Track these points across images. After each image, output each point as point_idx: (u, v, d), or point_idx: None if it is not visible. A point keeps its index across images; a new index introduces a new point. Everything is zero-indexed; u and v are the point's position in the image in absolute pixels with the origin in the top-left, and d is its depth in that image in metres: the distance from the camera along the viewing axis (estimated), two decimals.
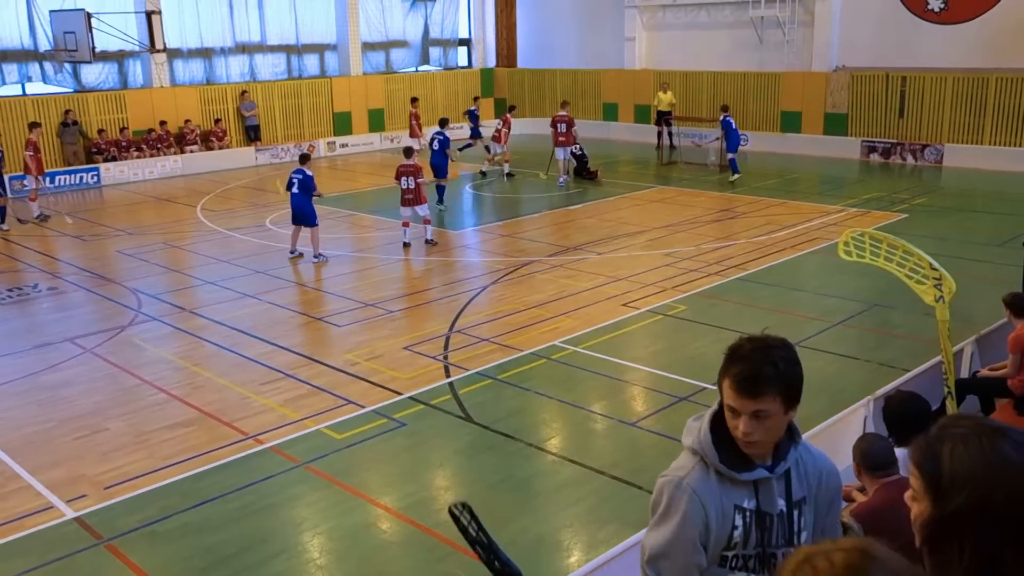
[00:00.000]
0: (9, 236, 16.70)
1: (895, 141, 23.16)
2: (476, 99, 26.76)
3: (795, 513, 2.76)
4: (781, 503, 2.74)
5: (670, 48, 27.82)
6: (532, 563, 6.12)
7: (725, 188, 19.93)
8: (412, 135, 23.26)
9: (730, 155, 20.86)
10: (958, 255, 13.73)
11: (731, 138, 20.88)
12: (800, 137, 24.70)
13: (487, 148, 23.07)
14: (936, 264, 5.40)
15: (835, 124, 24.16)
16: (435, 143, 18.35)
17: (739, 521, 2.67)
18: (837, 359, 9.66)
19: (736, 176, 20.61)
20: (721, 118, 20.98)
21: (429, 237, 15.15)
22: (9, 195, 16.41)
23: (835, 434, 6.44)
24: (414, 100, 24.64)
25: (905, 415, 5.03)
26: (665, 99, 25.68)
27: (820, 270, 13.40)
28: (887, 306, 11.36)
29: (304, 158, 15.07)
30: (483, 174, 22.26)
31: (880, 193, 18.96)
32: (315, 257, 14.26)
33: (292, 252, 14.51)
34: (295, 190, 14.43)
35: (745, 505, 2.68)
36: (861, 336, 10.44)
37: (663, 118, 25.25)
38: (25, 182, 18.41)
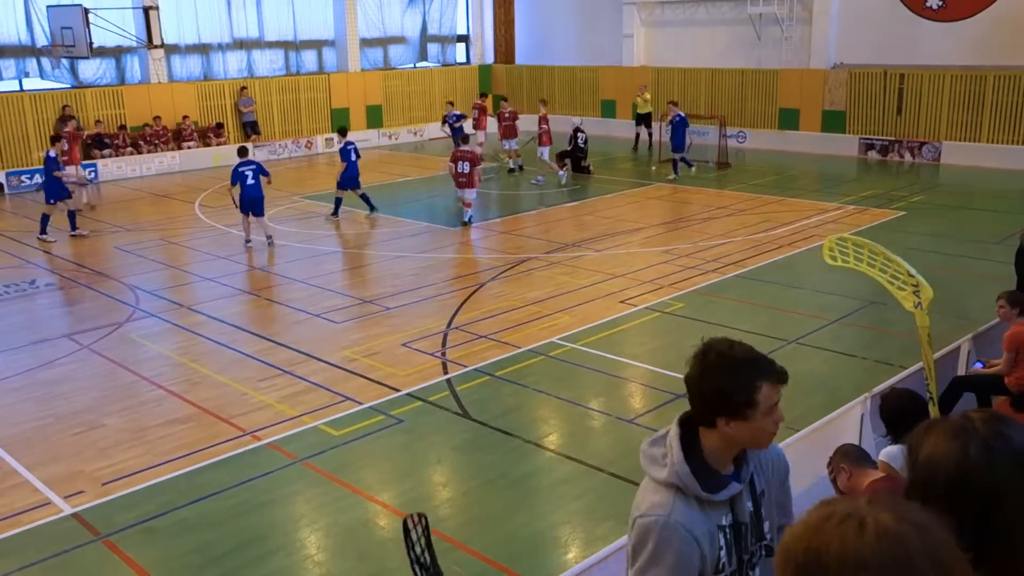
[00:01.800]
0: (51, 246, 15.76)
1: (893, 139, 23.17)
2: (451, 103, 25.38)
3: (761, 509, 2.77)
4: (749, 505, 2.73)
5: (668, 45, 27.81)
6: (530, 559, 6.13)
7: (724, 185, 19.93)
8: (477, 127, 23.97)
9: (675, 155, 20.52)
10: (955, 253, 13.76)
11: (676, 136, 20.30)
12: (798, 134, 24.71)
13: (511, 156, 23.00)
14: (913, 271, 5.43)
15: (833, 121, 24.17)
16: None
17: (722, 541, 2.64)
18: (834, 356, 9.68)
19: (674, 176, 20.40)
20: (672, 116, 20.46)
21: (466, 219, 16.38)
22: (56, 200, 16.09)
23: (831, 431, 6.44)
24: (483, 95, 26.05)
25: (902, 412, 5.05)
26: (644, 101, 25.67)
27: (817, 268, 13.38)
28: (883, 304, 11.35)
29: (244, 151, 15.87)
30: (519, 168, 22.44)
31: (878, 191, 18.98)
32: (271, 242, 15.10)
33: (248, 241, 15.18)
34: (251, 181, 15.08)
35: (724, 523, 2.65)
36: (858, 334, 10.45)
37: (643, 120, 25.63)
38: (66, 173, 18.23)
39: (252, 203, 15.06)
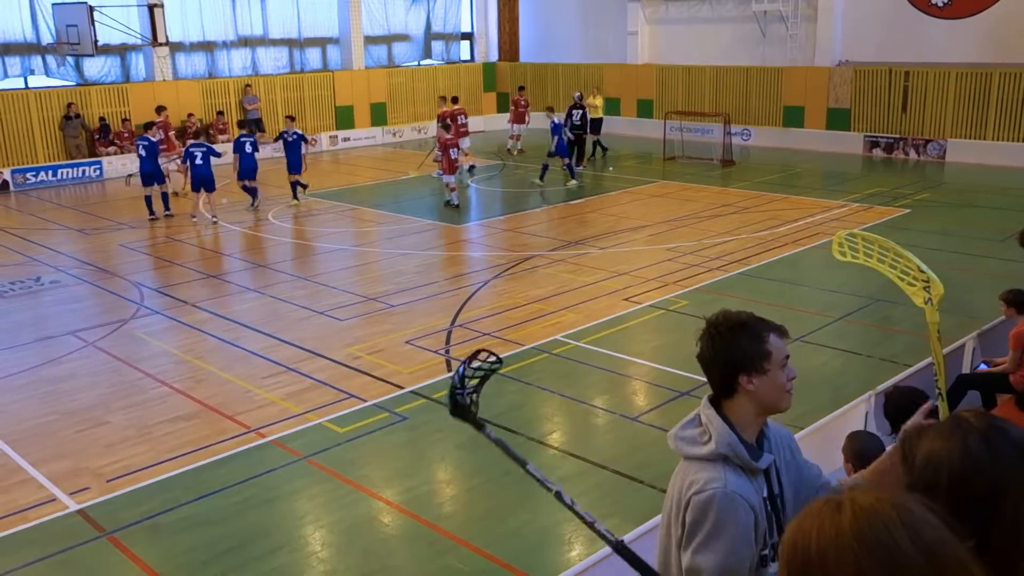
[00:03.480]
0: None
1: (898, 136, 23.12)
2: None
3: (783, 484, 2.85)
4: (775, 477, 2.82)
5: (672, 42, 27.78)
6: (534, 557, 6.14)
7: (728, 183, 19.91)
8: (517, 121, 24.68)
9: (565, 161, 19.73)
10: (961, 251, 13.72)
11: (556, 140, 19.71)
12: (802, 132, 24.67)
13: (510, 137, 24.92)
14: (924, 267, 5.42)
15: (838, 119, 24.12)
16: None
17: (764, 512, 2.72)
18: (839, 354, 9.67)
19: (573, 183, 19.63)
20: (551, 121, 20.05)
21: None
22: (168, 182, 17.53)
23: (836, 429, 6.44)
24: (521, 89, 26.44)
25: (906, 410, 5.02)
26: (598, 103, 23.69)
27: (822, 265, 13.39)
28: (889, 301, 11.35)
29: (199, 133, 17.55)
30: (517, 152, 24.08)
31: (883, 188, 18.94)
32: (215, 219, 16.56)
33: (193, 216, 16.95)
34: (200, 161, 16.53)
35: (764, 494, 2.74)
36: (863, 331, 10.44)
37: (593, 127, 23.02)
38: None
39: (203, 181, 16.71)
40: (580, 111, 21.59)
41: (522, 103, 24.76)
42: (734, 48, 26.13)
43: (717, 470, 2.66)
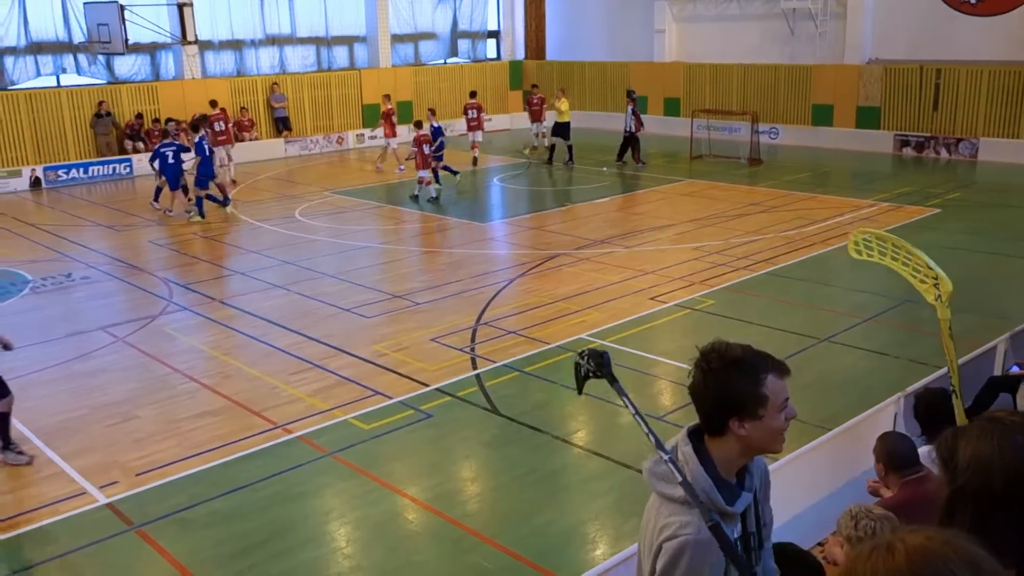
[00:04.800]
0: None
1: (929, 135, 22.84)
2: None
3: (762, 515, 2.75)
4: (751, 515, 2.70)
5: (700, 40, 27.62)
6: (558, 555, 6.13)
7: (756, 182, 19.77)
8: (535, 119, 24.92)
9: (201, 192, 17.12)
10: (992, 251, 13.54)
11: (203, 165, 17.06)
12: (832, 131, 24.43)
13: (535, 135, 25.09)
14: (932, 264, 5.38)
15: (868, 117, 23.88)
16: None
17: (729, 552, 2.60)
18: (867, 355, 9.57)
19: (197, 217, 17.01)
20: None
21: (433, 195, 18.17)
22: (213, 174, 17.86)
23: (864, 431, 6.38)
24: (534, 87, 26.52)
25: (937, 411, 4.98)
26: (563, 107, 22.22)
27: (851, 265, 13.23)
28: (918, 302, 11.16)
29: (166, 133, 18.19)
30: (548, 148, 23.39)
31: (913, 188, 18.72)
32: (188, 213, 17.29)
33: (169, 211, 17.54)
34: (171, 161, 17.07)
35: (735, 535, 2.60)
36: (892, 332, 10.32)
37: (560, 131, 22.33)
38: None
39: (171, 178, 17.33)
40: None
41: (534, 101, 24.97)
42: (762, 46, 25.93)
43: (686, 513, 2.51)
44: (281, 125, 25.88)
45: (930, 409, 5.01)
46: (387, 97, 23.71)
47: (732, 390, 2.51)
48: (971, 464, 1.86)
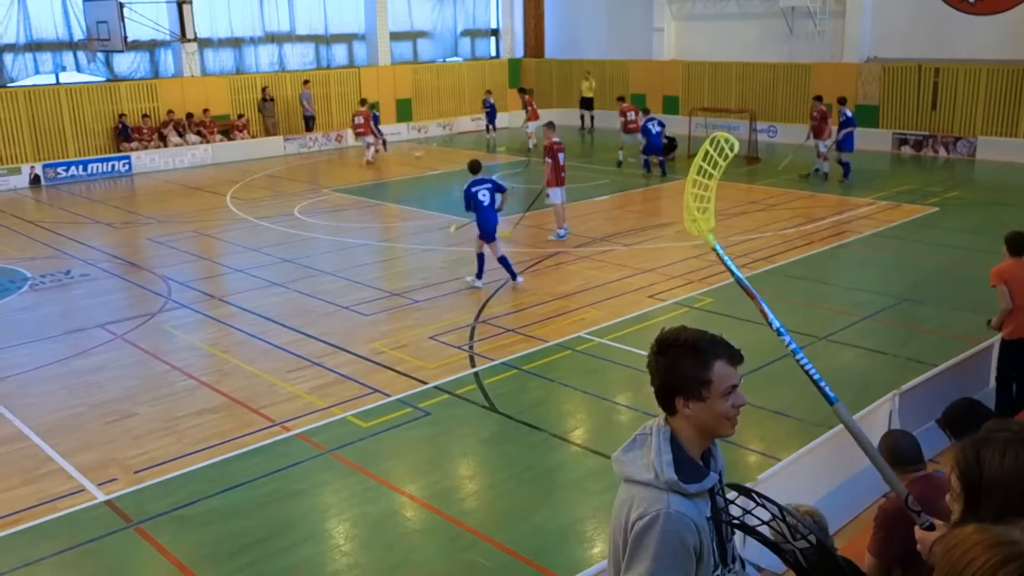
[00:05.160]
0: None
1: (927, 134, 22.86)
2: (489, 92, 27.66)
3: (725, 498, 2.80)
4: (719, 494, 2.76)
5: (699, 38, 27.63)
6: (555, 553, 6.15)
7: (754, 180, 19.78)
8: (533, 119, 25.01)
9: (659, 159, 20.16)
10: (991, 249, 13.53)
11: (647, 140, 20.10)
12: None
13: (527, 132, 25.40)
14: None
15: (866, 116, 23.86)
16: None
17: (710, 532, 2.65)
18: (865, 353, 9.59)
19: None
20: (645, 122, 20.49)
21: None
22: None
23: (862, 428, 6.39)
24: (521, 91, 27.20)
25: (966, 421, 4.90)
26: (587, 87, 28.06)
27: (849, 264, 13.29)
28: (916, 301, 11.25)
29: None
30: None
31: (912, 186, 18.74)
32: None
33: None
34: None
35: (709, 514, 2.66)
36: (889, 331, 10.35)
37: (587, 104, 28.15)
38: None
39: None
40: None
41: (528, 101, 25.63)
42: (761, 44, 25.94)
43: (659, 492, 2.59)
44: (309, 124, 26.00)
45: (959, 418, 4.92)
46: (363, 101, 24.17)
47: (678, 370, 2.63)
48: (1000, 476, 1.86)
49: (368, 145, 23.20)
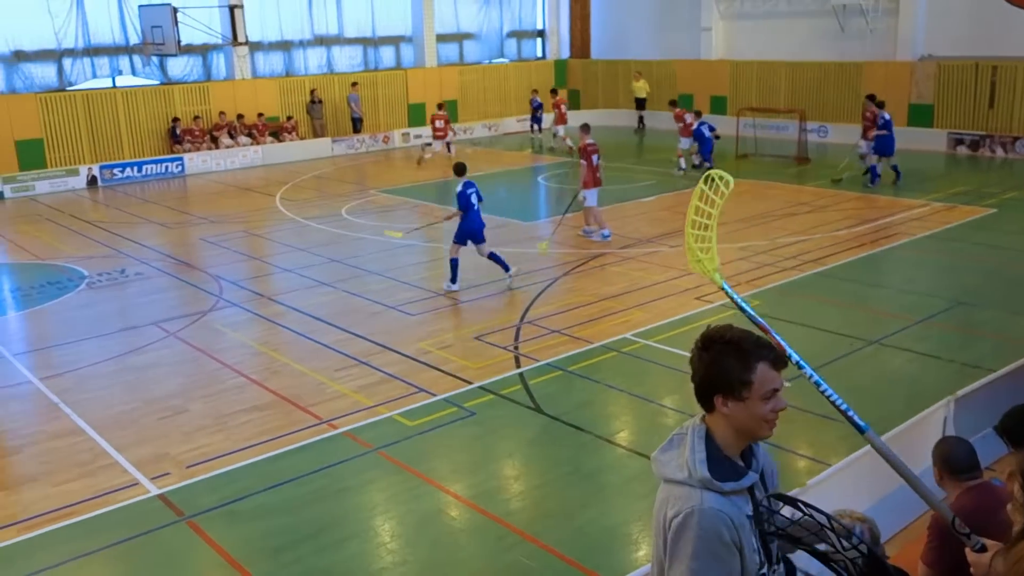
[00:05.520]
0: None
1: (984, 133, 22.34)
2: (536, 91, 27.79)
3: (768, 495, 2.77)
4: (762, 494, 2.74)
5: (747, 38, 27.35)
6: (600, 555, 6.13)
7: (804, 181, 19.51)
8: (560, 122, 25.05)
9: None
10: None
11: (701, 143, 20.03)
12: None
13: (554, 134, 25.32)
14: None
15: (920, 115, 23.43)
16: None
17: (752, 530, 2.63)
18: (918, 358, 9.40)
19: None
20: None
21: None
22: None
23: (915, 435, 6.28)
24: (553, 91, 26.95)
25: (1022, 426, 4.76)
26: (640, 87, 28.62)
27: (902, 266, 13.04)
28: (972, 304, 11.00)
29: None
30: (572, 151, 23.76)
31: (967, 187, 18.33)
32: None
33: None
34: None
35: (749, 512, 2.65)
36: (944, 335, 10.13)
37: (640, 104, 28.68)
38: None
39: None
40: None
41: (558, 103, 25.51)
42: (811, 43, 25.59)
43: (693, 491, 2.60)
44: (357, 125, 26.32)
45: (1016, 427, 4.77)
46: (441, 105, 24.34)
47: (720, 368, 2.62)
48: None
49: (425, 146, 23.64)
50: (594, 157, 14.65)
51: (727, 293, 3.04)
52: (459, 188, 12.26)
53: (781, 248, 13.80)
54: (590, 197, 14.68)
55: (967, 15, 22.44)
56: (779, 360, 2.64)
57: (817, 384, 2.92)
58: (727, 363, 2.60)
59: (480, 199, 12.34)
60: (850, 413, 2.87)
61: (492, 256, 12.24)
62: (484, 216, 12.45)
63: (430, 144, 23.56)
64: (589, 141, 14.77)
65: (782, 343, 2.90)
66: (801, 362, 2.90)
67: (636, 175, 20.74)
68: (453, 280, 12.23)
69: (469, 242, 12.24)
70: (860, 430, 2.89)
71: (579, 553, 6.10)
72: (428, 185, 20.94)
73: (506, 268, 12.25)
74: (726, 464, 2.63)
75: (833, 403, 2.90)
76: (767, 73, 26.52)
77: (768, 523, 2.64)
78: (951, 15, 22.76)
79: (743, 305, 3.02)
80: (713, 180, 3.00)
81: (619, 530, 6.46)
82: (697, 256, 3.04)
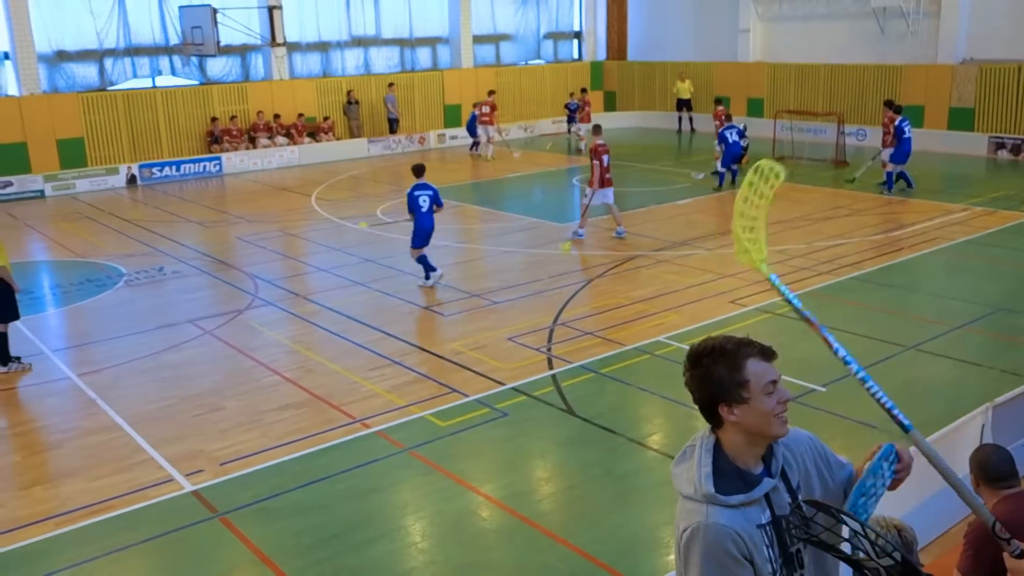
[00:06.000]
0: None
1: None
2: (572, 94, 27.96)
3: (800, 501, 2.70)
4: (787, 497, 2.69)
5: (785, 40, 27.08)
6: (630, 559, 6.10)
7: (841, 184, 19.28)
8: (584, 120, 25.37)
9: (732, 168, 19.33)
10: None
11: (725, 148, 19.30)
12: (922, 132, 23.56)
13: (578, 133, 26.11)
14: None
15: (961, 119, 23.05)
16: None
17: (765, 539, 2.60)
18: (956, 365, 9.25)
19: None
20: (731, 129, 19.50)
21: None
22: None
23: (951, 442, 6.18)
24: (584, 91, 27.30)
25: None
26: (684, 88, 28.38)
27: (941, 271, 12.84)
28: (1012, 311, 10.80)
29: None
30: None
31: (1009, 192, 18.00)
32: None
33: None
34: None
35: (763, 521, 2.62)
36: (983, 341, 9.96)
37: (683, 106, 28.39)
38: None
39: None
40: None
41: (584, 103, 26.06)
42: (850, 45, 25.28)
43: (700, 505, 2.60)
44: (393, 126, 26.49)
45: None
46: (491, 92, 25.49)
47: (714, 378, 2.61)
48: None
49: (486, 139, 24.53)
50: (604, 158, 14.69)
51: (774, 285, 2.98)
52: (409, 189, 12.53)
53: (818, 252, 13.65)
54: (597, 196, 14.76)
55: (1010, 17, 22.03)
56: (766, 352, 2.63)
57: (863, 381, 2.86)
58: (718, 371, 2.60)
59: (439, 204, 12.59)
60: (895, 412, 2.82)
61: (420, 260, 12.46)
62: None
63: (498, 139, 24.84)
64: (600, 142, 14.83)
65: (829, 338, 2.87)
66: (848, 358, 2.85)
67: (673, 177, 20.62)
68: (427, 276, 12.50)
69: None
70: (904, 429, 2.84)
71: (610, 556, 6.07)
72: (462, 186, 20.99)
73: (428, 273, 12.46)
74: (735, 476, 2.62)
75: (878, 401, 2.85)
76: (805, 75, 26.25)
77: (797, 529, 2.60)
78: (993, 17, 22.36)
79: (791, 298, 2.96)
80: (762, 171, 2.94)
81: (650, 534, 6.42)
82: (744, 247, 3.00)
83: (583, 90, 27.32)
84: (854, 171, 19.15)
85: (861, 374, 2.86)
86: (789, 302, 2.98)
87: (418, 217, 12.38)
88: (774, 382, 2.61)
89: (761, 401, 2.59)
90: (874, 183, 18.67)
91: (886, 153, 18.39)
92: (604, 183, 14.68)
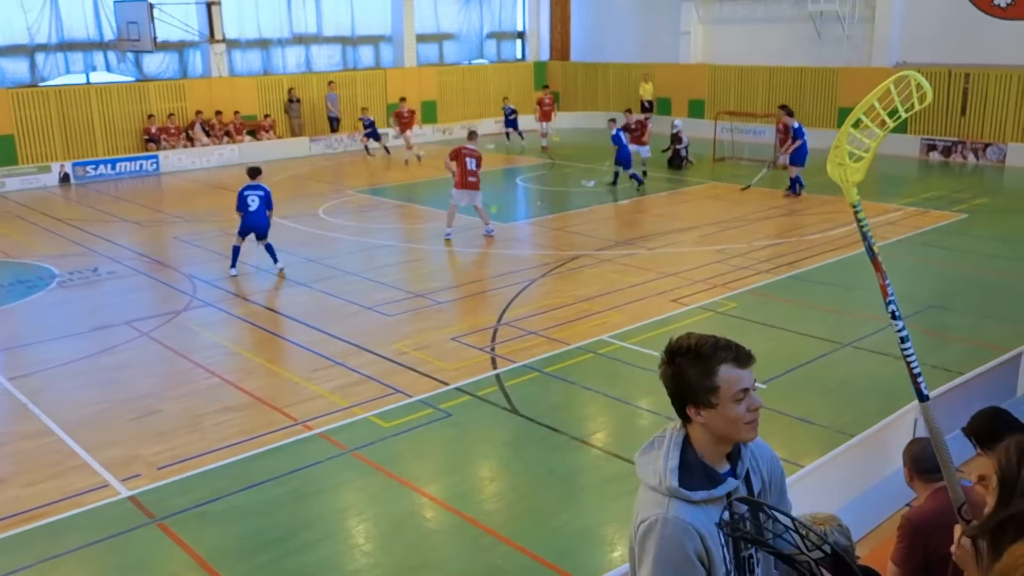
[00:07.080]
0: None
1: (956, 139, 22.63)
2: (506, 98, 28.17)
3: (731, 499, 2.70)
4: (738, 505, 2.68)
5: (726, 42, 27.51)
6: (575, 557, 6.13)
7: (780, 185, 19.65)
8: (544, 119, 26.20)
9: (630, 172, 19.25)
10: (1020, 256, 13.38)
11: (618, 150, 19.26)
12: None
13: (543, 135, 26.15)
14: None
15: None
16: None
17: (721, 539, 2.60)
18: (891, 361, 9.48)
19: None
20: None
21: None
22: None
23: (886, 436, 6.35)
24: (545, 87, 28.60)
25: (992, 430, 4.80)
26: (648, 89, 28.71)
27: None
28: (943, 308, 11.13)
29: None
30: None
31: (940, 192, 18.55)
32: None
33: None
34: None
35: (721, 520, 2.61)
36: (916, 337, 10.12)
37: (648, 107, 28.34)
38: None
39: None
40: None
41: (546, 101, 26.43)
42: (789, 48, 25.79)
43: (662, 498, 2.58)
44: (333, 124, 26.20)
45: (985, 428, 4.81)
46: (403, 100, 25.10)
47: (685, 379, 2.60)
48: None
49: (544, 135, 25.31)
50: (468, 161, 15.12)
51: (856, 215, 2.80)
52: (240, 188, 13.39)
53: (757, 251, 13.89)
54: (459, 196, 15.17)
55: (941, 23, 22.70)
56: (742, 358, 2.59)
57: (902, 340, 2.83)
58: (690, 373, 2.59)
59: (269, 206, 13.29)
60: (920, 380, 2.79)
61: (267, 247, 13.31)
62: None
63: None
64: (471, 147, 15.35)
65: (889, 289, 2.83)
66: (897, 313, 2.82)
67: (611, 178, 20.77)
68: (232, 265, 13.27)
69: (253, 236, 13.24)
70: (922, 398, 2.83)
71: (554, 554, 6.10)
72: (405, 186, 20.89)
73: (275, 260, 13.28)
74: (700, 472, 2.60)
75: (908, 363, 2.83)
76: (745, 77, 26.69)
77: (735, 528, 2.59)
78: (925, 23, 23.02)
79: (866, 234, 2.84)
80: (908, 83, 2.64)
81: (595, 531, 6.47)
82: (843, 159, 2.72)
83: (544, 86, 27.71)
84: (749, 179, 19.50)
85: (903, 333, 2.82)
86: (864, 237, 2.88)
87: (245, 214, 13.13)
88: (746, 390, 2.57)
89: (729, 408, 2.56)
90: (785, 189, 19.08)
91: (785, 158, 18.73)
92: (466, 185, 15.07)
